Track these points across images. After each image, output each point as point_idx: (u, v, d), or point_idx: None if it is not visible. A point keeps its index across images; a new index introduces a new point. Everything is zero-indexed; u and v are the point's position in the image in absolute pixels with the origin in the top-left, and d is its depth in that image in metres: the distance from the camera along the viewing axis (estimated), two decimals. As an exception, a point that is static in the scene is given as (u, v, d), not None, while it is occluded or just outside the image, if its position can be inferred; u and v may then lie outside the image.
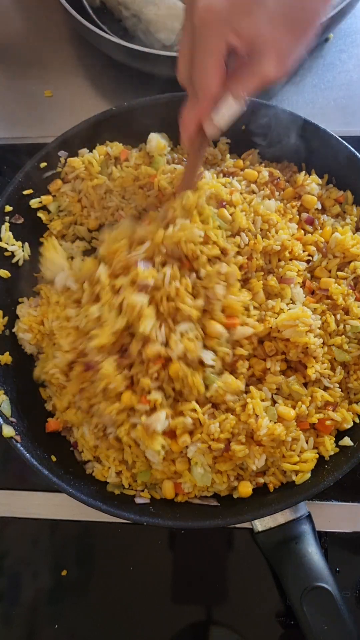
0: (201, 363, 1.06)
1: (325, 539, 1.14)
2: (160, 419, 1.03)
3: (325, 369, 1.08)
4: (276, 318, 1.09)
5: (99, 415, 1.09)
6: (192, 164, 1.12)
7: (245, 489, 1.05)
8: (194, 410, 1.05)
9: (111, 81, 1.55)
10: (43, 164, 1.26)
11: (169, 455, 1.07)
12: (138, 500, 1.08)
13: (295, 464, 1.04)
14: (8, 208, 1.22)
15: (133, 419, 1.05)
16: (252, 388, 1.06)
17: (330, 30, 1.55)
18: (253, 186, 1.24)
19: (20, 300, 1.23)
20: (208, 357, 1.05)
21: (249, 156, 1.31)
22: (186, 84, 0.98)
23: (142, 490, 1.10)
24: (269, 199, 1.21)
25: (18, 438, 1.08)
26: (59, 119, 1.48)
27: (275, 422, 1.03)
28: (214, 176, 1.23)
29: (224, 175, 1.26)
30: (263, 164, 1.30)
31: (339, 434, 1.09)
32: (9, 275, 1.22)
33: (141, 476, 1.09)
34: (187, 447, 1.05)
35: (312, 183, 1.23)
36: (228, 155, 1.32)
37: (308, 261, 1.18)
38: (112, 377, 1.03)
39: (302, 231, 1.20)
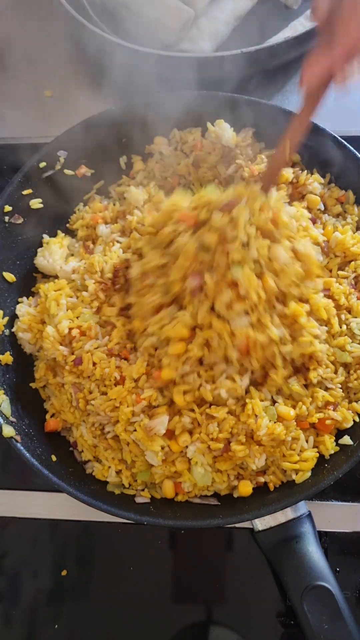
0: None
1: (325, 539, 1.14)
2: (164, 422, 1.03)
3: (327, 371, 1.09)
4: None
5: (95, 413, 1.09)
6: (305, 115, 0.99)
7: (246, 488, 1.05)
8: (192, 410, 1.05)
9: (111, 81, 1.55)
10: (42, 164, 1.26)
11: (169, 455, 1.07)
12: (138, 500, 1.07)
13: (295, 463, 1.04)
14: (7, 208, 1.22)
15: (133, 419, 1.05)
16: (251, 388, 1.06)
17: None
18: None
19: (19, 300, 1.23)
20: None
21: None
22: (321, 25, 0.86)
23: (143, 490, 1.10)
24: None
25: (18, 438, 1.08)
26: (59, 119, 1.47)
27: (275, 422, 1.03)
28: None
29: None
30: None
31: (339, 433, 1.09)
32: (15, 279, 1.23)
33: (141, 475, 1.09)
34: (186, 446, 1.05)
35: (314, 182, 1.23)
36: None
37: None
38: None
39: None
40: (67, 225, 1.33)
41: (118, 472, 1.10)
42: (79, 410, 1.12)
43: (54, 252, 1.24)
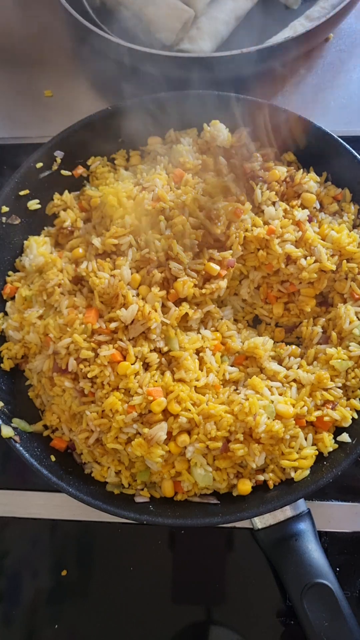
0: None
1: (325, 539, 1.14)
2: (164, 428, 1.03)
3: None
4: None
5: (84, 430, 1.09)
6: None
7: (245, 486, 1.05)
8: (188, 410, 1.05)
9: (111, 81, 1.55)
10: (39, 165, 1.26)
11: (169, 458, 1.07)
12: (138, 499, 1.07)
13: (294, 460, 1.04)
14: (4, 209, 1.22)
15: (125, 429, 1.05)
16: (253, 382, 1.07)
17: (330, 30, 1.55)
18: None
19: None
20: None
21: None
22: None
23: (142, 489, 1.09)
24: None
25: (17, 438, 1.08)
26: (59, 119, 1.47)
27: (273, 420, 1.03)
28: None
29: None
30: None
31: (338, 430, 1.09)
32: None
33: (140, 476, 1.08)
34: (185, 447, 1.05)
35: (310, 181, 1.22)
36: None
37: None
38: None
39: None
40: (45, 211, 1.31)
41: (117, 473, 1.10)
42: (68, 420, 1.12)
43: (34, 249, 1.22)
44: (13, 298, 1.22)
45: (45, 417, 1.15)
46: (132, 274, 1.12)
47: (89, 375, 1.07)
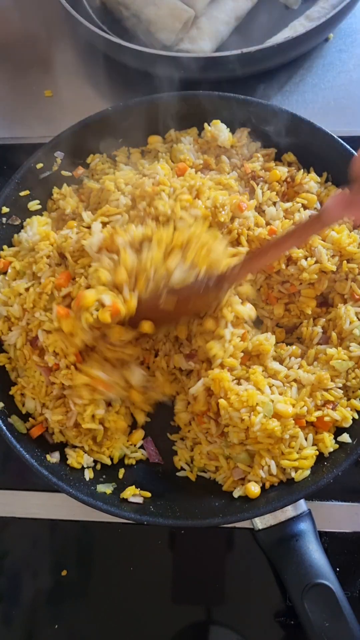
0: None
1: (325, 539, 1.14)
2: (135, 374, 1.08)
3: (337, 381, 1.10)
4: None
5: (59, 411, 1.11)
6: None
7: (252, 492, 1.05)
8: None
9: (111, 81, 1.55)
10: (40, 165, 1.26)
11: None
12: (132, 499, 1.08)
13: (294, 461, 1.04)
14: (5, 209, 1.22)
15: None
16: (256, 378, 1.07)
17: (330, 30, 1.55)
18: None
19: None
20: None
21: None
22: None
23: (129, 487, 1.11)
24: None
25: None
26: (59, 119, 1.47)
27: (270, 418, 1.03)
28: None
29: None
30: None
31: (338, 430, 1.09)
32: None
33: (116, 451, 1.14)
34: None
35: (310, 181, 1.23)
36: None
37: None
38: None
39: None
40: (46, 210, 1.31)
41: (91, 453, 1.13)
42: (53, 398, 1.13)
43: (35, 226, 1.22)
44: (5, 273, 1.22)
45: (15, 390, 1.16)
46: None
47: (50, 350, 1.09)
